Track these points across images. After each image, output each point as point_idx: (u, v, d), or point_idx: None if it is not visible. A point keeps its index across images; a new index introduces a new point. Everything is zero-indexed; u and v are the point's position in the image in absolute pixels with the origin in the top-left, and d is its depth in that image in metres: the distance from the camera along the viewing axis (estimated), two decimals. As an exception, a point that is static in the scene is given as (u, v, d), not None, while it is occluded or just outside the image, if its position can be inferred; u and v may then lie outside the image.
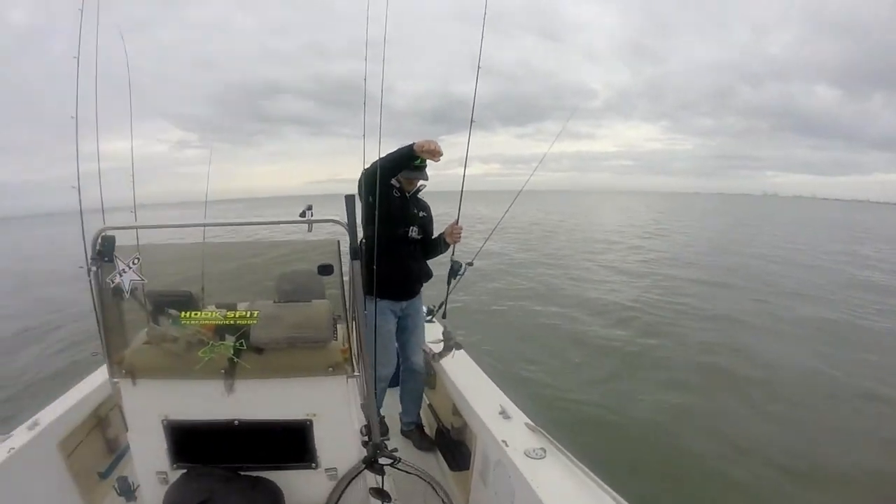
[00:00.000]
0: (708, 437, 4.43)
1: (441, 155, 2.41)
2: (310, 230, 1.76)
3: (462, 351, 2.97)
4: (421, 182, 2.72)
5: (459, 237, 2.75)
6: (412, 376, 2.99)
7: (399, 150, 2.39)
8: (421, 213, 2.80)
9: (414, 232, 2.71)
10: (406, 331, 2.86)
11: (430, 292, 3.02)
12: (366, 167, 2.32)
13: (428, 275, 2.90)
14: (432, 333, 3.15)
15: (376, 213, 2.15)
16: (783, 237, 23.62)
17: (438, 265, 2.90)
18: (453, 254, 2.80)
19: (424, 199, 2.86)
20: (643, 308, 9.11)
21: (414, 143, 2.38)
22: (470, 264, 2.85)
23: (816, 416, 5.00)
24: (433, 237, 2.86)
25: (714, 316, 8.68)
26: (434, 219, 2.90)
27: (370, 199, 2.18)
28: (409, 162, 2.45)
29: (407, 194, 2.71)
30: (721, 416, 4.87)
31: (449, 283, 2.85)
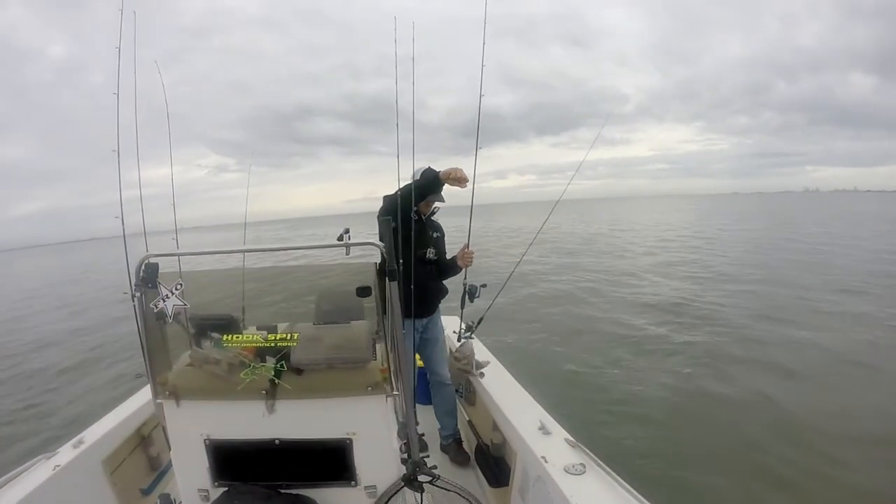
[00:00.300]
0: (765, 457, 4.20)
1: (468, 181, 2.49)
2: (347, 253, 1.79)
3: (501, 366, 3.09)
4: (436, 204, 2.82)
5: (471, 261, 2.84)
6: (441, 389, 3.03)
7: (426, 177, 2.48)
8: (435, 235, 2.90)
9: (431, 253, 2.82)
10: (429, 346, 2.94)
11: (467, 310, 3.08)
12: (400, 187, 2.37)
13: (444, 292, 3.01)
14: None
15: (399, 237, 2.18)
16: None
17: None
18: (465, 277, 2.91)
19: (438, 221, 2.98)
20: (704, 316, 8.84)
21: (440, 172, 2.47)
22: (483, 286, 3.01)
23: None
24: (448, 258, 2.95)
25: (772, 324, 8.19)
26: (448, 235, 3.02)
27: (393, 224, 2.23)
28: (436, 189, 2.57)
29: (423, 217, 2.81)
30: (789, 434, 4.59)
31: (463, 305, 2.98)
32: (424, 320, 2.85)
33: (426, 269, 2.79)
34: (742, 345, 7.14)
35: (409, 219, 2.35)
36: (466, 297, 2.98)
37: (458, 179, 2.46)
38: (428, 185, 2.51)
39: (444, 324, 3.49)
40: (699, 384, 5.76)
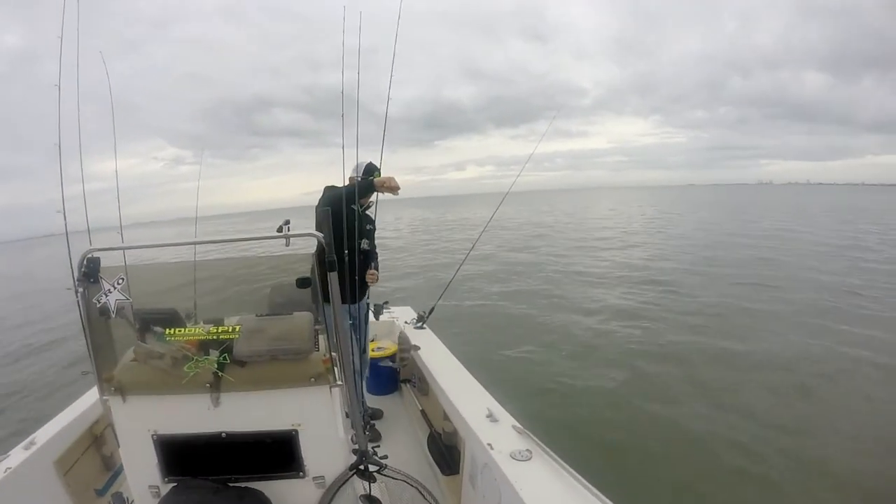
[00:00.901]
0: (703, 442, 4.40)
1: (399, 189, 2.81)
2: (287, 244, 1.80)
3: (452, 357, 3.21)
4: (372, 198, 3.05)
5: (375, 280, 3.18)
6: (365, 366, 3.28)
7: (362, 186, 2.77)
8: (368, 227, 3.13)
9: (365, 244, 2.99)
10: (358, 329, 3.06)
11: (420, 301, 3.20)
12: (347, 180, 2.43)
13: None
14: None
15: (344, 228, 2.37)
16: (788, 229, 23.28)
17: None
18: (368, 297, 3.22)
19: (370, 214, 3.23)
20: (641, 306, 9.19)
21: (375, 180, 2.78)
22: (386, 303, 3.94)
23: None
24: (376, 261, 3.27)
25: (702, 310, 8.71)
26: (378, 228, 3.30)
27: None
28: (369, 194, 2.90)
29: (362, 209, 3.00)
30: (721, 418, 4.82)
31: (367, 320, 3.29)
32: (354, 306, 2.96)
33: (359, 257, 2.86)
34: (681, 332, 7.55)
35: (348, 212, 2.51)
36: (371, 314, 3.44)
37: (391, 189, 2.79)
38: (364, 191, 2.80)
39: (397, 313, 3.99)
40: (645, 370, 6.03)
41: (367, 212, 3.13)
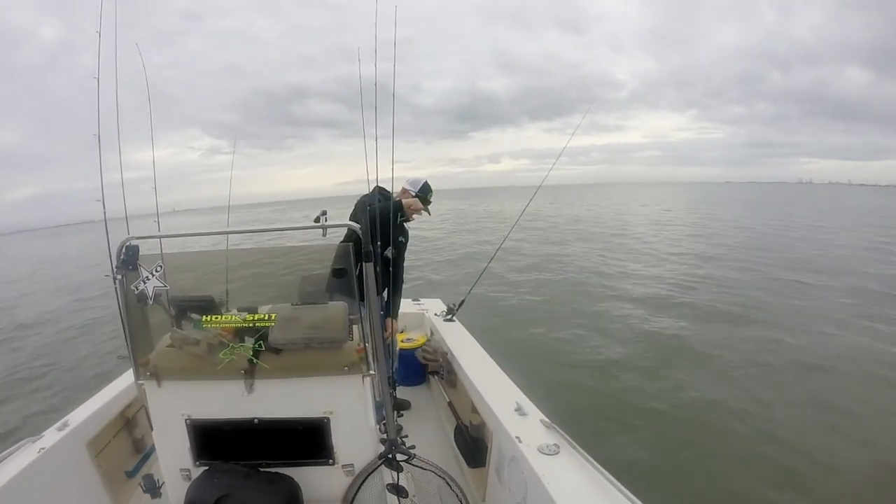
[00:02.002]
0: (734, 438, 4.34)
1: (422, 209, 2.99)
2: (324, 235, 1.82)
3: (481, 349, 3.23)
4: (415, 215, 3.06)
5: (388, 335, 2.98)
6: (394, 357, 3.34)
7: (396, 205, 2.84)
8: (401, 238, 3.10)
9: (390, 252, 2.89)
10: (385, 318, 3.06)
11: (449, 292, 3.22)
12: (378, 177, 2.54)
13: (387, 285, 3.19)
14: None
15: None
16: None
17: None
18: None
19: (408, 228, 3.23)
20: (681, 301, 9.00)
21: (404, 202, 2.89)
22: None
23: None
24: (401, 278, 3.21)
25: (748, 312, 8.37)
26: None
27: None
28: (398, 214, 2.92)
29: (401, 220, 3.03)
30: (752, 416, 4.75)
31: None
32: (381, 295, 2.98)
33: (383, 263, 2.87)
34: (719, 331, 7.32)
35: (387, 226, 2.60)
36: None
37: (415, 210, 2.96)
38: (394, 213, 2.82)
39: (426, 305, 4.04)
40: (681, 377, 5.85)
41: (406, 224, 3.14)
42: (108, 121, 2.15)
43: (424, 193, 3.05)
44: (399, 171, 2.97)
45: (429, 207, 3.12)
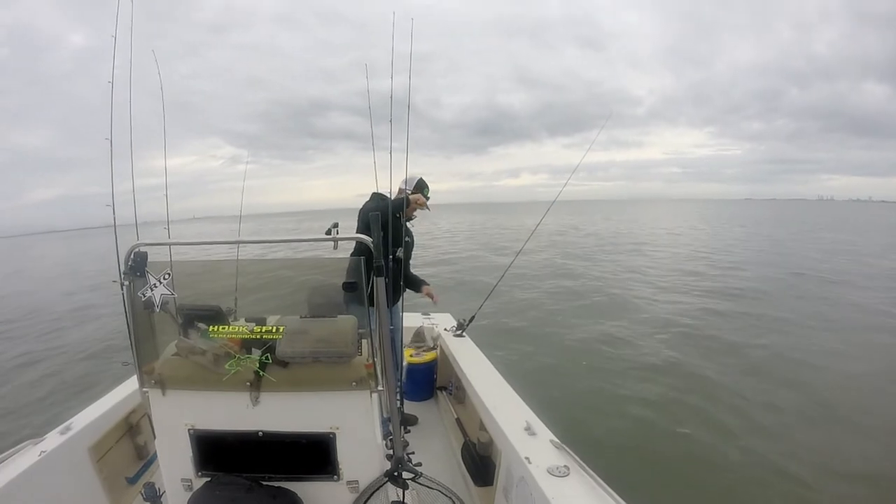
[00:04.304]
0: (748, 467, 4.21)
1: (424, 202, 3.05)
2: (335, 248, 1.80)
3: (491, 366, 3.19)
4: (416, 213, 3.19)
5: (434, 300, 3.40)
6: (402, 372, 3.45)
7: (401, 201, 2.93)
8: (407, 239, 3.22)
9: (400, 253, 3.01)
10: (393, 333, 3.07)
11: (460, 307, 3.22)
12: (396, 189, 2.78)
13: (403, 289, 3.25)
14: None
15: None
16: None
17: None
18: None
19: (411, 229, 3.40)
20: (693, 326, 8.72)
21: (409, 197, 2.96)
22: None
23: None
24: (413, 275, 3.45)
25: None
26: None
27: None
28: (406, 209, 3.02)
29: (403, 220, 3.11)
30: (771, 443, 4.58)
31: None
32: (395, 306, 3.09)
33: (394, 265, 2.94)
34: (733, 353, 7.14)
35: (397, 222, 2.73)
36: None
37: (420, 205, 3.04)
38: (402, 207, 2.96)
39: (436, 320, 4.01)
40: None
41: (409, 224, 3.21)
42: (128, 127, 2.18)
43: (420, 189, 3.11)
44: (429, 192, 3.06)
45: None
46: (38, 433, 2.37)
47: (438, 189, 3.17)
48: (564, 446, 2.06)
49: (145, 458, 2.82)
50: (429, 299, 3.42)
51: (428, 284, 3.45)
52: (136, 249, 1.80)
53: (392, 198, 2.98)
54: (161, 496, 2.21)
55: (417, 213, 3.21)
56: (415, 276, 3.47)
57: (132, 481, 2.67)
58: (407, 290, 3.34)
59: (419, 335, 4.00)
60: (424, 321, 4.25)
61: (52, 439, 2.31)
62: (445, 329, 3.98)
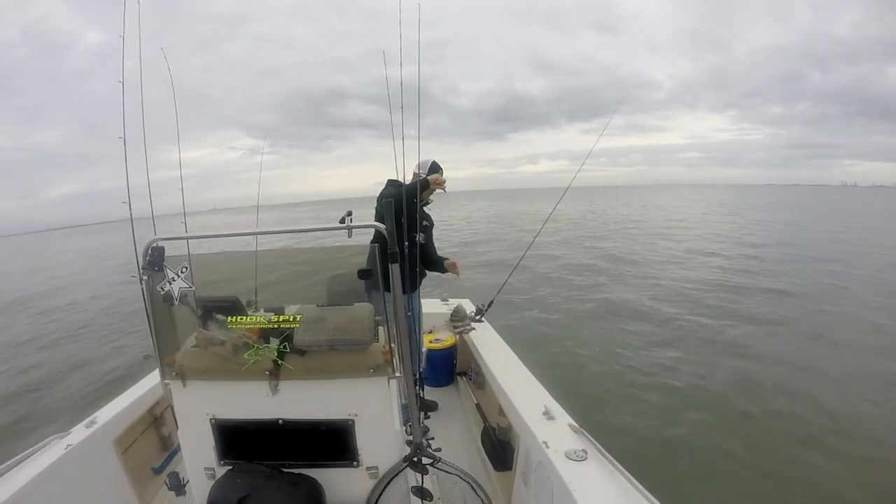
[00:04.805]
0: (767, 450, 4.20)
1: (444, 182, 3.05)
2: (349, 236, 1.80)
3: (510, 351, 3.23)
4: (432, 196, 3.17)
5: (457, 271, 3.36)
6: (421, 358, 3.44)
7: (420, 182, 2.89)
8: (425, 223, 3.21)
9: (420, 238, 3.01)
10: (414, 321, 3.10)
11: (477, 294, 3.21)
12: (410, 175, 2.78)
13: (424, 273, 3.36)
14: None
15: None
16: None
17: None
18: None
19: (429, 212, 3.35)
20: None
21: (429, 178, 2.99)
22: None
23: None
24: (437, 256, 3.40)
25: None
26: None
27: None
28: (424, 191, 3.01)
29: (421, 203, 3.08)
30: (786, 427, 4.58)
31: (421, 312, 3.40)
32: (408, 296, 3.03)
33: (413, 251, 2.87)
34: (756, 341, 7.04)
35: (413, 207, 2.64)
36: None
37: (439, 184, 3.02)
38: (420, 189, 2.90)
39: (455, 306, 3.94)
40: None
41: (425, 208, 3.19)
42: (148, 121, 2.20)
43: (435, 171, 3.10)
44: (443, 174, 3.04)
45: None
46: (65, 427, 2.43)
47: (457, 176, 3.15)
48: (583, 430, 2.06)
49: (170, 449, 2.87)
50: (449, 280, 3.41)
51: (448, 259, 3.41)
52: (154, 244, 1.82)
53: (406, 184, 2.95)
54: (185, 485, 2.26)
55: (434, 197, 3.18)
56: (438, 257, 3.42)
57: (157, 472, 2.73)
58: (427, 275, 3.36)
59: (458, 312, 3.99)
60: (443, 307, 4.25)
61: (78, 433, 2.36)
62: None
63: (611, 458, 1.86)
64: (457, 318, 3.94)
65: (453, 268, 3.34)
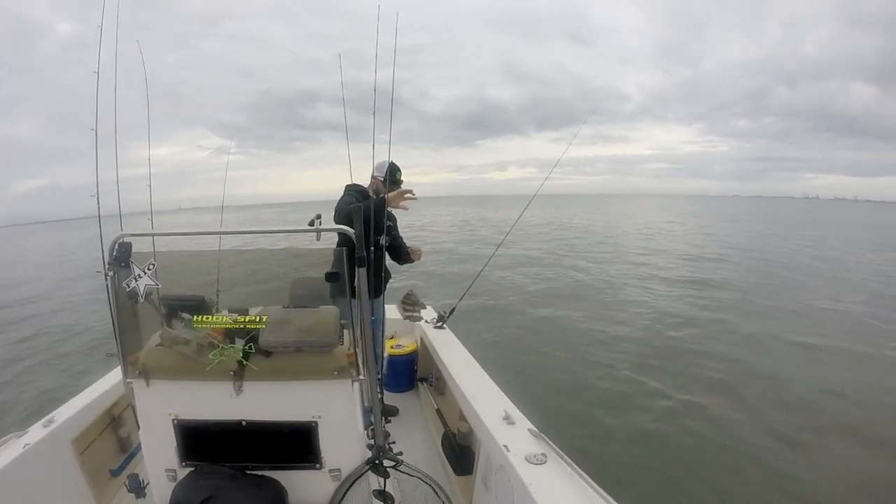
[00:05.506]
0: (721, 451, 4.38)
1: (403, 197, 2.88)
2: (318, 239, 1.82)
3: (470, 357, 3.23)
4: (402, 203, 3.02)
5: (420, 257, 3.41)
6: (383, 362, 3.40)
7: (378, 203, 2.72)
8: (389, 223, 3.10)
9: (384, 240, 2.91)
10: (377, 325, 3.06)
11: (442, 302, 3.26)
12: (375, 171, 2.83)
13: (389, 276, 3.33)
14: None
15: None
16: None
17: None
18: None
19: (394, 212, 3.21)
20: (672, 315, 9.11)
21: (389, 197, 2.84)
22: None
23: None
24: (405, 249, 3.38)
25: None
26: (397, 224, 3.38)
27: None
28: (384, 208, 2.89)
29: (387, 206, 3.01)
30: (734, 427, 4.82)
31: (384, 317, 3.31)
32: (373, 301, 2.98)
33: (379, 253, 2.84)
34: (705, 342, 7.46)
35: (379, 216, 2.59)
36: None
37: (400, 206, 2.89)
38: (378, 211, 2.67)
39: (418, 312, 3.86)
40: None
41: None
42: (120, 117, 2.17)
43: (393, 174, 2.99)
44: (405, 176, 3.07)
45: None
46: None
47: (425, 181, 3.17)
48: (542, 435, 2.10)
49: (129, 450, 2.81)
50: (413, 287, 3.39)
51: (411, 246, 3.42)
52: (121, 240, 1.81)
53: (366, 185, 3.02)
54: (145, 487, 2.22)
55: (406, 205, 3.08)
56: (407, 248, 3.41)
57: (116, 473, 2.67)
58: (391, 278, 3.36)
59: (410, 297, 3.96)
60: (405, 313, 4.24)
61: (36, 432, 2.29)
62: (426, 321, 4.01)
63: (569, 461, 1.90)
64: (409, 302, 3.90)
65: (415, 253, 3.38)
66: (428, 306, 4.32)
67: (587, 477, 1.80)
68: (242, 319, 1.89)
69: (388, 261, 3.30)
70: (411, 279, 11.18)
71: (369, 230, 2.33)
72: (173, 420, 1.94)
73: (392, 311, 3.72)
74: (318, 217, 1.84)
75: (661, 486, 3.76)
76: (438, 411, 3.26)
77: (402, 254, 3.38)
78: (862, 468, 4.07)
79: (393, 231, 3.27)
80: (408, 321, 4.08)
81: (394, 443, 2.08)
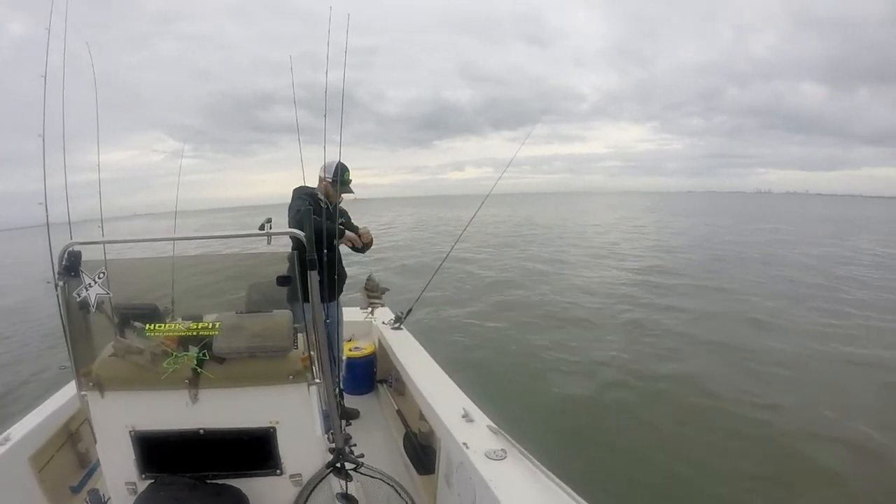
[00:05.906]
0: (677, 441, 4.50)
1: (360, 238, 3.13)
2: (269, 242, 1.81)
3: (428, 357, 3.24)
4: (343, 196, 3.11)
5: (370, 238, 3.29)
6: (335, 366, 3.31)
7: (331, 231, 2.66)
8: (341, 221, 3.12)
9: (337, 242, 2.93)
10: (330, 327, 3.01)
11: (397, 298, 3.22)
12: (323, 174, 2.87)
13: (345, 277, 3.27)
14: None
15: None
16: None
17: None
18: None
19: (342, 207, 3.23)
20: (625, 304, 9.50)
21: (347, 235, 3.05)
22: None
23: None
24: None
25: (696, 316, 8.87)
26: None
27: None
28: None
29: (331, 207, 2.99)
30: (692, 417, 4.96)
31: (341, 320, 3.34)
32: (329, 304, 2.97)
33: (332, 255, 2.82)
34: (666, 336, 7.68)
35: (317, 211, 2.63)
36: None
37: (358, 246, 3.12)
38: (331, 238, 2.65)
39: (375, 314, 3.79)
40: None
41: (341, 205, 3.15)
42: (72, 121, 2.13)
43: (342, 174, 2.99)
44: (362, 177, 3.06)
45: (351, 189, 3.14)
46: None
47: (382, 182, 3.20)
48: (501, 431, 2.13)
49: (88, 466, 2.75)
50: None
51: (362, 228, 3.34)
52: (70, 249, 1.77)
53: (314, 187, 3.04)
54: (107, 502, 2.18)
55: (356, 203, 3.19)
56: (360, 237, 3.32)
57: (76, 490, 2.61)
58: (346, 280, 3.31)
59: (370, 282, 3.71)
60: (362, 315, 4.08)
61: None
62: (384, 322, 3.99)
63: (529, 455, 1.93)
64: (370, 287, 3.70)
65: (365, 236, 3.26)
66: (385, 306, 4.32)
67: (546, 470, 1.83)
68: (195, 326, 1.87)
69: (345, 261, 3.28)
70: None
71: (322, 233, 2.32)
72: (130, 432, 1.90)
73: (350, 314, 3.68)
74: (269, 221, 1.83)
75: (615, 477, 3.80)
76: (399, 412, 3.27)
77: (359, 247, 3.30)
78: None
79: (348, 225, 3.26)
80: (366, 322, 4.02)
81: (355, 445, 2.08)
